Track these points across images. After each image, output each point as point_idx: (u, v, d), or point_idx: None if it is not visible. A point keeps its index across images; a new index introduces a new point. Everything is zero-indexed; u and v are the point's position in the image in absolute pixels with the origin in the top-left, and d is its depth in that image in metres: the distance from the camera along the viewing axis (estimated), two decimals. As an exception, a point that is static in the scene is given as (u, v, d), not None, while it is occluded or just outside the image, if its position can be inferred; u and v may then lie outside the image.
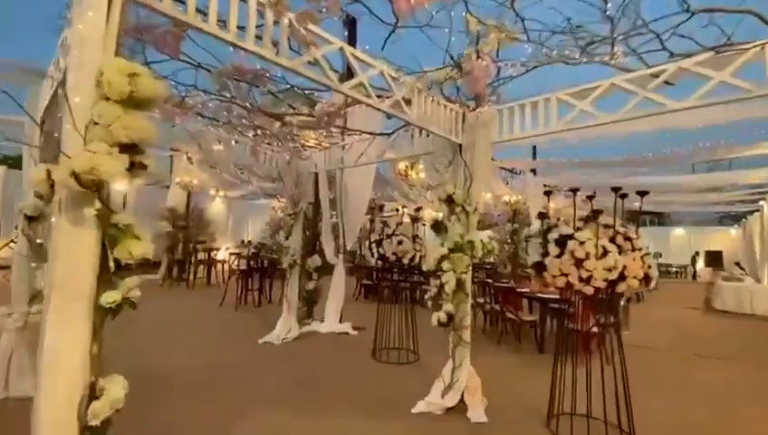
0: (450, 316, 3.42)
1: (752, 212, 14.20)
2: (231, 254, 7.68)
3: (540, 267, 3.10)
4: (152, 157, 1.77)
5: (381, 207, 6.04)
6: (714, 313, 9.55)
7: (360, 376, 4.32)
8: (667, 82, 2.81)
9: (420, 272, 7.50)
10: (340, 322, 6.18)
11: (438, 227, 3.56)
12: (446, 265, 3.31)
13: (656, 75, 2.84)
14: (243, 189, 17.48)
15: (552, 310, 5.50)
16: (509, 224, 12.71)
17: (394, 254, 4.43)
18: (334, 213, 6.64)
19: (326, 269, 6.51)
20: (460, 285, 3.40)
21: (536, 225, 11.68)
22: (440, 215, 3.63)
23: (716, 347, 6.06)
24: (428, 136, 4.11)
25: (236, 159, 10.34)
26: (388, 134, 4.28)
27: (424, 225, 6.82)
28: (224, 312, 7.30)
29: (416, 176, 7.53)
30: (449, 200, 3.38)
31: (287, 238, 5.43)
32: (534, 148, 11.68)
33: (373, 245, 4.61)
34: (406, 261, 4.48)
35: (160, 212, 11.45)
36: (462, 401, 3.42)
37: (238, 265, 7.74)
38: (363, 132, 4.40)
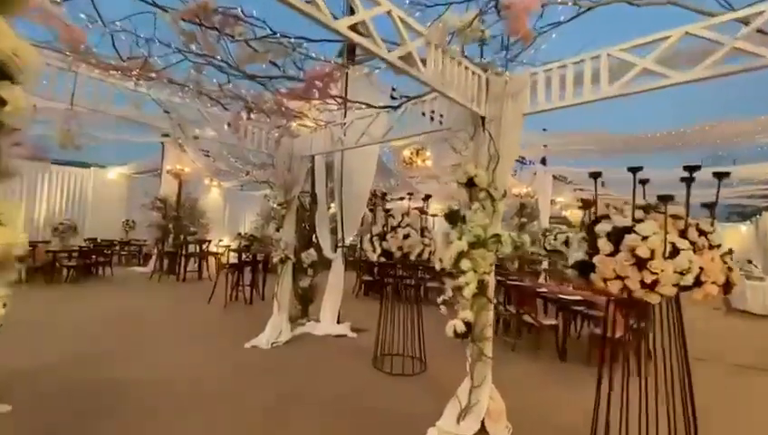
0: (469, 326, 2.80)
1: (767, 208, 13.77)
2: (221, 246, 7.04)
3: (584, 268, 2.47)
4: (18, 94, 1.12)
5: (384, 196, 5.39)
6: (736, 314, 8.94)
7: (358, 391, 3.73)
8: (761, 31, 2.16)
9: (429, 269, 6.90)
10: (338, 322, 5.59)
11: (454, 217, 2.92)
12: (465, 263, 2.69)
13: (745, 21, 2.18)
14: (239, 180, 16.89)
15: (576, 313, 4.89)
16: (516, 218, 12.11)
17: (400, 249, 3.81)
18: (332, 203, 6.02)
19: (323, 264, 5.91)
20: (482, 287, 2.78)
21: (545, 220, 11.00)
22: (452, 206, 3.01)
23: (757, 356, 5.46)
24: (441, 117, 3.49)
25: (227, 145, 9.74)
26: (395, 107, 3.64)
27: (433, 215, 6.17)
28: (211, 310, 6.71)
29: (421, 163, 6.88)
30: (470, 184, 2.75)
31: (278, 230, 4.81)
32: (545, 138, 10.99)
33: (375, 239, 3.98)
34: (413, 257, 3.86)
35: (150, 202, 10.85)
36: (483, 428, 2.82)
37: (228, 259, 7.12)
38: (365, 105, 3.76)
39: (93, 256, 9.76)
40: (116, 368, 3.91)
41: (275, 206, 4.77)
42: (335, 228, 5.76)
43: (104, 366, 3.94)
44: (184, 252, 10.45)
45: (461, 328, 2.77)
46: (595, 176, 2.66)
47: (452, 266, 2.76)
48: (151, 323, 5.71)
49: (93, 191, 13.85)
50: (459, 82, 2.76)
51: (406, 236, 3.81)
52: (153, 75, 3.08)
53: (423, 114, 3.67)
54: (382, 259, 3.95)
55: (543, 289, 5.43)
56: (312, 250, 5.57)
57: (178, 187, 11.39)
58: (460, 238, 2.78)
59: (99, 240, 12.27)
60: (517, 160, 11.33)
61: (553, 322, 4.87)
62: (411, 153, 6.88)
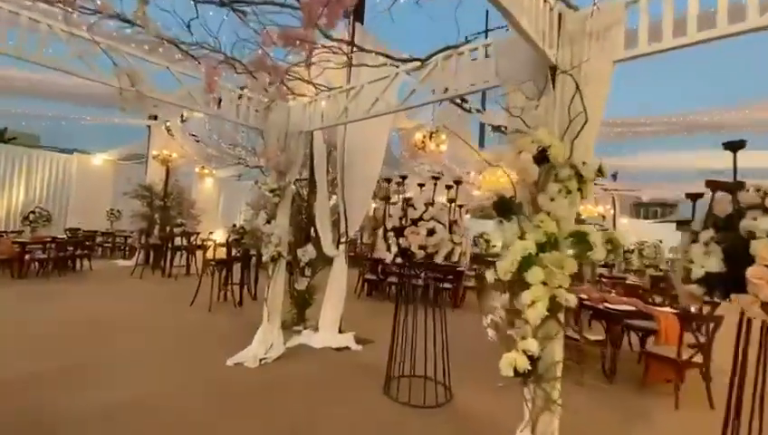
0: (533, 361, 1.96)
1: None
2: (207, 240, 6.19)
3: (725, 282, 1.64)
4: None
5: (404, 180, 4.51)
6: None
7: (365, 428, 2.90)
8: None
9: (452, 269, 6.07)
10: (340, 331, 4.76)
11: (506, 206, 2.07)
12: (533, 273, 1.84)
13: None
14: (232, 167, 15.98)
15: (628, 328, 4.07)
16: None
17: (422, 248, 2.96)
18: (335, 191, 5.15)
19: (323, 262, 5.06)
20: (554, 308, 1.93)
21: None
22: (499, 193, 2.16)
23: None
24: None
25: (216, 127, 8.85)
26: (422, 60, 2.77)
27: (462, 209, 5.32)
28: (193, 313, 5.87)
29: (435, 148, 6.02)
30: (542, 158, 1.89)
31: (269, 222, 3.95)
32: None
33: (390, 234, 3.14)
34: (440, 259, 3.02)
35: (133, 190, 9.96)
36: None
37: (214, 255, 6.27)
38: (383, 55, 2.89)
39: (70, 248, 8.89)
40: (76, 392, 3.08)
41: (267, 193, 3.90)
42: (337, 221, 4.90)
43: (64, 389, 3.13)
44: (170, 245, 9.59)
45: (524, 365, 1.92)
46: (734, 147, 1.81)
47: (512, 278, 1.91)
48: (123, 329, 4.86)
49: (77, 178, 12.95)
50: (526, 8, 1.89)
51: (431, 233, 2.96)
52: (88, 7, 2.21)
53: (456, 72, 2.79)
54: (400, 259, 3.11)
55: (582, 296, 4.60)
56: (309, 246, 4.72)
57: (165, 174, 10.50)
58: (522, 237, 1.93)
59: (81, 230, 11.40)
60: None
61: (599, 337, 4.05)
62: (424, 136, 6.01)
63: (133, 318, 5.39)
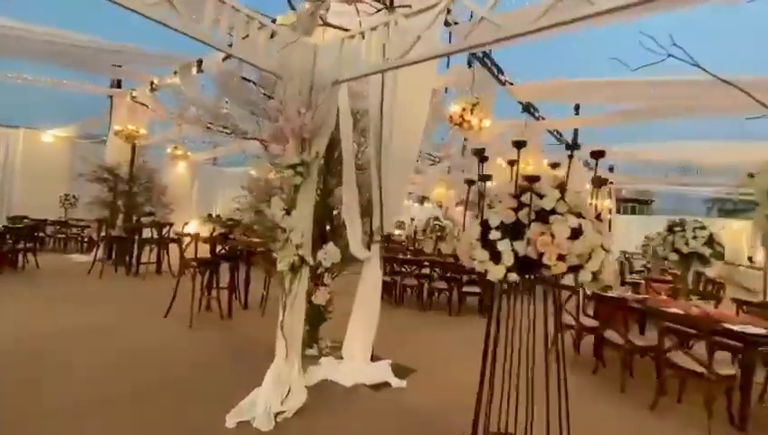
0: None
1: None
2: (184, 234, 4.82)
3: None
4: None
5: (482, 154, 3.33)
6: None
7: None
8: None
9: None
10: (373, 359, 3.58)
11: None
12: None
13: None
14: (210, 152, 14.35)
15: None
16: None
17: (561, 259, 1.81)
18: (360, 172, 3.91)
19: (346, 264, 3.86)
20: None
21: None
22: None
23: None
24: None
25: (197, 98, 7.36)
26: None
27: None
28: (170, 328, 4.53)
29: (477, 123, 4.86)
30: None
31: (288, 213, 2.69)
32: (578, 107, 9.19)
33: (495, 234, 1.97)
34: (586, 277, 1.88)
35: (92, 171, 8.34)
36: None
37: (196, 252, 4.92)
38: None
39: (9, 241, 7.24)
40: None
41: (284, 171, 2.65)
42: (365, 212, 3.69)
43: None
44: (137, 237, 8.05)
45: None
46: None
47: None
48: (72, 362, 3.49)
49: (23, 158, 11.05)
50: None
51: (575, 234, 1.82)
52: None
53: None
54: (512, 275, 1.94)
55: (674, 311, 3.61)
56: (331, 246, 3.49)
57: (131, 153, 8.88)
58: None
59: (28, 219, 9.63)
60: (556, 136, 9.51)
61: (730, 372, 3.05)
62: (464, 109, 4.84)
63: (88, 339, 4.01)
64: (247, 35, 2.59)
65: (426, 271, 6.68)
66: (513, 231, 1.98)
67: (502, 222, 2.01)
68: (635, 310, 3.89)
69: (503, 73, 6.11)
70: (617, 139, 10.84)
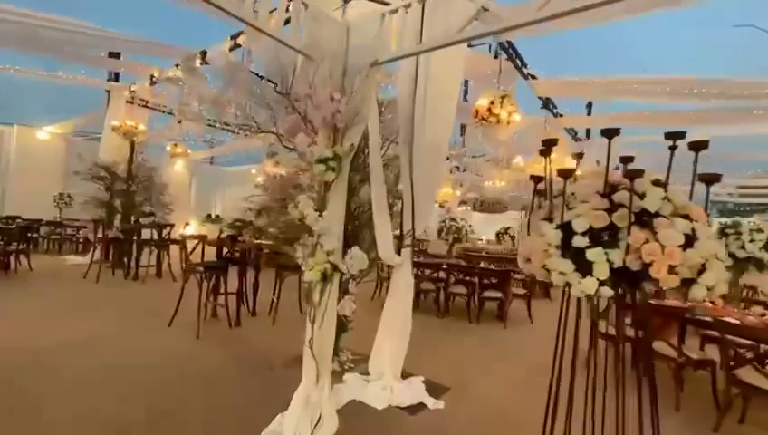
0: None
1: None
2: (189, 237, 4.45)
3: None
4: None
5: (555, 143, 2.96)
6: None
7: None
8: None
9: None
10: (403, 375, 3.23)
11: None
12: None
13: None
14: (210, 149, 13.97)
15: None
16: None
17: (673, 271, 1.47)
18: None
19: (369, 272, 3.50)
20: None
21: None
22: None
23: None
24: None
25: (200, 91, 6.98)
26: None
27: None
28: (175, 339, 4.15)
29: (507, 117, 4.52)
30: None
31: (320, 215, 2.34)
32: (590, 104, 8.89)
33: (581, 241, 1.63)
34: (701, 294, 1.55)
35: (87, 169, 7.94)
36: None
37: (203, 256, 4.55)
38: None
39: (1, 242, 6.83)
40: None
41: (315, 165, 2.30)
42: (396, 214, 3.34)
43: None
44: (136, 239, 7.67)
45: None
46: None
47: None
48: (69, 377, 3.12)
49: (17, 156, 10.63)
50: None
51: (689, 242, 1.48)
52: None
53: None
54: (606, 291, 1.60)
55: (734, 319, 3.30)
56: (357, 251, 3.12)
57: (130, 151, 8.48)
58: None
59: (21, 219, 9.21)
60: (573, 133, 9.20)
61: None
62: (491, 102, 4.50)
63: (87, 352, 3.63)
64: (274, 9, 2.23)
65: (442, 274, 6.34)
66: (598, 238, 1.64)
67: (591, 226, 1.67)
68: (685, 320, 3.57)
69: (526, 66, 5.79)
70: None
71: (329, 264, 2.37)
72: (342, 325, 3.73)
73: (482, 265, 6.89)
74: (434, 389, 3.20)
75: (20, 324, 4.25)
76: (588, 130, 10.14)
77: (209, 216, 16.23)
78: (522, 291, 6.20)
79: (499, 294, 5.84)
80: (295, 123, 3.52)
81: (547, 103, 6.98)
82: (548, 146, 2.16)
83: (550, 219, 1.92)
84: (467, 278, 6.04)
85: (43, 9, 5.44)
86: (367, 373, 3.26)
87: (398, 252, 3.26)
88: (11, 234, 7.09)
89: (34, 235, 9.32)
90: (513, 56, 5.37)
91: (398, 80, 3.20)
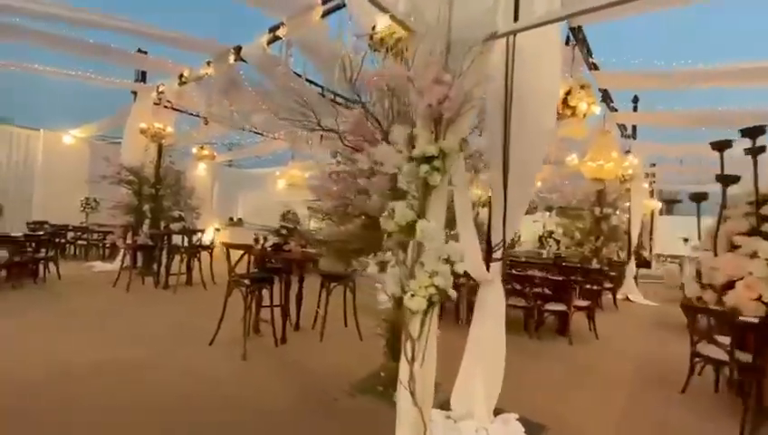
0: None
1: None
2: (232, 245, 4.05)
3: None
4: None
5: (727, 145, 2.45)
6: None
7: None
8: None
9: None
10: (495, 412, 2.74)
11: None
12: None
13: None
14: (228, 150, 13.77)
15: None
16: (594, 207, 9.40)
17: None
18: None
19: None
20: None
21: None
22: None
23: None
24: None
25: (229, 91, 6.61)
26: None
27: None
28: (219, 360, 3.73)
29: (586, 109, 3.99)
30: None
31: (421, 218, 1.87)
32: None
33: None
34: None
35: (114, 172, 7.68)
36: None
37: (249, 266, 4.13)
38: None
39: (29, 250, 6.58)
40: None
41: (411, 166, 1.83)
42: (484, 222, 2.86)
43: None
44: (165, 244, 7.36)
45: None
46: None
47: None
48: (104, 405, 2.72)
49: (44, 160, 10.50)
50: None
51: None
52: None
53: None
54: None
55: None
56: (444, 267, 2.63)
57: (158, 154, 8.20)
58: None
59: (48, 225, 9.07)
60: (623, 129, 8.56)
61: None
62: (568, 93, 3.98)
63: (119, 375, 3.24)
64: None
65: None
66: None
67: None
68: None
69: (591, 55, 5.24)
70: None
71: (434, 288, 1.89)
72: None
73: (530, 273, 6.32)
74: (531, 428, 2.70)
75: (55, 343, 3.90)
76: (634, 128, 9.48)
77: (231, 219, 16.04)
78: (583, 302, 5.63)
79: (562, 307, 5.29)
80: (359, 120, 3.08)
81: (605, 96, 6.41)
82: (720, 148, 1.65)
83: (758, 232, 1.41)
84: (524, 289, 5.50)
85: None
86: (446, 407, 2.78)
87: (488, 265, 2.77)
88: (40, 241, 6.84)
89: (62, 241, 9.14)
90: (580, 43, 4.84)
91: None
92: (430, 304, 1.90)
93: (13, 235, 6.47)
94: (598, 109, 4.08)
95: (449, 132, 1.98)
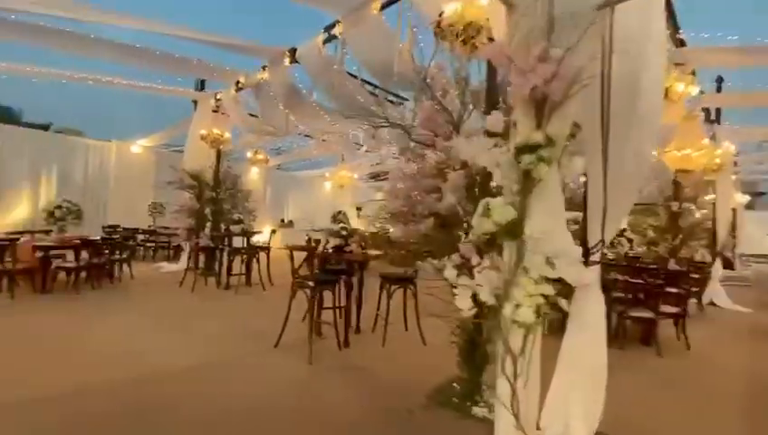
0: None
1: None
2: (295, 248, 3.99)
3: None
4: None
5: None
6: None
7: None
8: None
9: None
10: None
11: None
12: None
13: None
14: (276, 154, 14.10)
15: None
16: (670, 202, 8.47)
17: None
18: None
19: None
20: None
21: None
22: None
23: None
24: None
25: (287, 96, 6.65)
26: None
27: None
28: (286, 366, 3.68)
29: (684, 91, 3.50)
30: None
31: (520, 221, 1.63)
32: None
33: None
34: None
35: (179, 177, 8.03)
36: None
37: (313, 266, 4.06)
38: None
39: (106, 252, 7.04)
40: None
41: (525, 158, 1.57)
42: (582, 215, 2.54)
43: None
44: (226, 246, 7.60)
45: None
46: None
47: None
48: (179, 402, 2.73)
49: (115, 168, 11.32)
50: None
51: None
52: None
53: None
54: None
55: None
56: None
57: (216, 159, 8.51)
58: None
59: (121, 228, 9.74)
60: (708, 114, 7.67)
61: None
62: (673, 76, 3.51)
63: (189, 380, 3.27)
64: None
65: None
66: None
67: None
68: None
69: (679, 30, 4.65)
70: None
71: (542, 298, 1.64)
72: (486, 356, 3.02)
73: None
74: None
75: (137, 346, 4.06)
76: (718, 111, 8.49)
77: (282, 220, 16.48)
78: (672, 309, 5.03)
79: (648, 313, 4.75)
80: (430, 113, 2.87)
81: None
82: None
83: None
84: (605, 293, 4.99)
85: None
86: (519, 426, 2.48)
87: (587, 264, 2.44)
88: (114, 244, 7.30)
89: (133, 243, 9.77)
90: (668, 16, 4.30)
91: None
92: (538, 316, 1.64)
93: (91, 238, 6.95)
94: (695, 89, 3.57)
95: (554, 117, 1.71)
